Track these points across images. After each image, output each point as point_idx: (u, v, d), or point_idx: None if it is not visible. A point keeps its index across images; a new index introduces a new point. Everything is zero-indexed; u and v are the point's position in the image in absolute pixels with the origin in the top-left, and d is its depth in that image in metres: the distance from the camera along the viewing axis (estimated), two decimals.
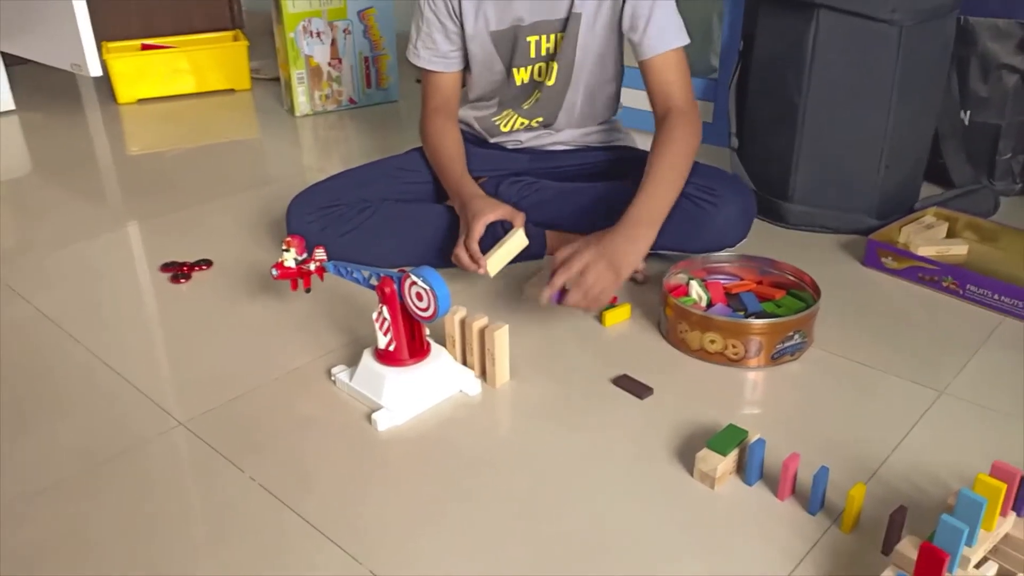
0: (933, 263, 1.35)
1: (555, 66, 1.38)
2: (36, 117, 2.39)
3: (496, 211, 1.29)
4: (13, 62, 2.37)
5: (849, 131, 1.51)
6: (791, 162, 1.55)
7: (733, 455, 0.93)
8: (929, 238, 1.47)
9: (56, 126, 2.32)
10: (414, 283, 1.01)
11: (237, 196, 1.79)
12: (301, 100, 2.35)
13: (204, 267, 1.44)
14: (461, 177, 1.39)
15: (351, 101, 2.41)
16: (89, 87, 2.66)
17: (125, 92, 2.49)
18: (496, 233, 1.29)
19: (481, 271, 1.24)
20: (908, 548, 0.76)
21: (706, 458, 0.92)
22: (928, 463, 0.96)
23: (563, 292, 1.13)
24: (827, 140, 1.52)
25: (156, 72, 2.51)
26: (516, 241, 1.26)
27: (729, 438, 0.93)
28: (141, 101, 2.51)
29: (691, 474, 0.93)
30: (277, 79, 2.55)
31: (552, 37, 1.36)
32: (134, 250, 1.59)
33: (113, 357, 1.19)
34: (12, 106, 2.39)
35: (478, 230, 1.26)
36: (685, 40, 1.32)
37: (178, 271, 1.42)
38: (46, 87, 2.60)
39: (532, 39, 1.36)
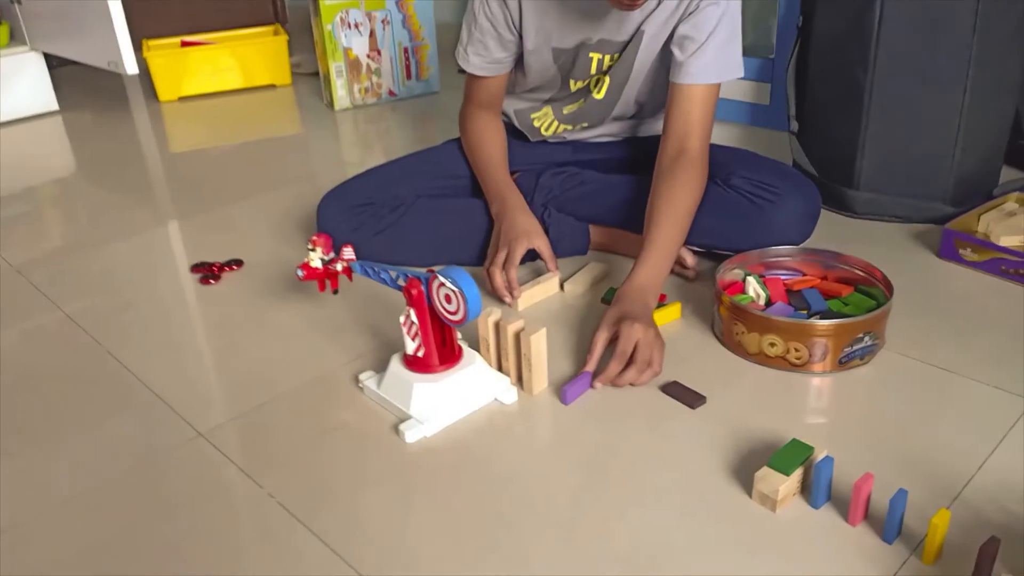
0: (1017, 254, 1.23)
1: (607, 81, 1.30)
2: (80, 117, 2.39)
3: (538, 240, 1.25)
4: (59, 63, 2.37)
5: (920, 111, 1.39)
6: (857, 146, 1.44)
7: (797, 474, 0.83)
8: (1012, 227, 1.35)
9: (99, 126, 2.32)
10: (442, 284, 0.94)
11: (276, 193, 1.75)
12: (340, 94, 2.30)
13: (235, 267, 1.40)
14: (504, 181, 1.33)
15: (391, 93, 2.36)
16: (134, 86, 2.66)
17: (166, 90, 2.48)
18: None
19: (509, 301, 1.21)
20: None
21: (766, 478, 0.83)
22: (1018, 482, 0.85)
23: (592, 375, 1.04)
24: (896, 121, 1.41)
25: (196, 69, 2.50)
26: (550, 286, 1.25)
27: (792, 455, 0.84)
28: (182, 99, 2.49)
29: (749, 495, 0.84)
30: (317, 74, 2.51)
31: (614, 56, 1.27)
32: (171, 249, 1.56)
33: (139, 364, 1.15)
34: (56, 107, 2.40)
35: (519, 253, 1.22)
36: (731, 75, 1.21)
37: (208, 271, 1.38)
38: (91, 87, 2.61)
39: (595, 56, 1.27)
